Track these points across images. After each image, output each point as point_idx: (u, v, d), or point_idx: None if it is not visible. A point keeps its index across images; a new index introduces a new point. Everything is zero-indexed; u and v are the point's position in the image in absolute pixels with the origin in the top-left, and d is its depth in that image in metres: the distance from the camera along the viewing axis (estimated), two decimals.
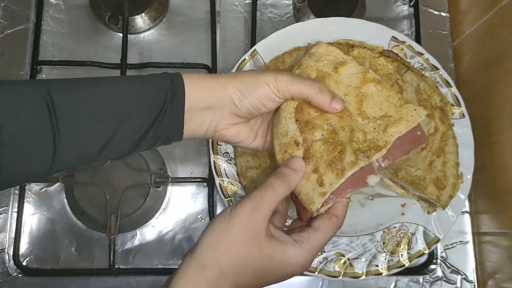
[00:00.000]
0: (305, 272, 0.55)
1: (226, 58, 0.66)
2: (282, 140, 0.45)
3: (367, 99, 0.47)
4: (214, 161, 0.57)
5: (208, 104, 0.43)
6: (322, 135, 0.44)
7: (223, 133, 0.45)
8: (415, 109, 0.46)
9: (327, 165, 0.42)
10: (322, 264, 0.55)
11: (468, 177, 0.57)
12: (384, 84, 0.48)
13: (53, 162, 0.37)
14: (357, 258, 0.56)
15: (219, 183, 0.56)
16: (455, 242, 0.63)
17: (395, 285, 0.60)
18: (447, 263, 0.62)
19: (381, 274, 0.55)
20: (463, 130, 0.59)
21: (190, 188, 0.63)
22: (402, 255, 0.56)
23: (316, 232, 0.41)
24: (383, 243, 0.57)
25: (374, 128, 0.45)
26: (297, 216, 0.46)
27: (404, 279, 0.61)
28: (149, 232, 0.62)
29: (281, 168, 0.42)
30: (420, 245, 0.57)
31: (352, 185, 0.44)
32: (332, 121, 0.45)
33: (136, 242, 0.61)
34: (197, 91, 0.42)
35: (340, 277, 0.55)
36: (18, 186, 0.60)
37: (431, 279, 0.61)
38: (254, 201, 0.39)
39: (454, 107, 0.60)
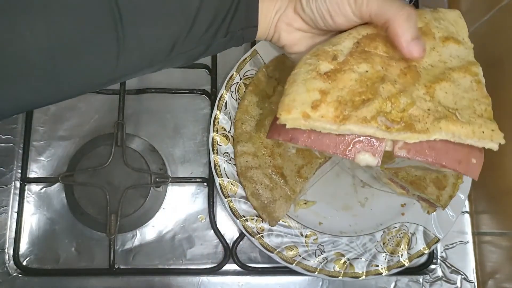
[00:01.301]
0: (305, 272, 0.55)
1: (226, 58, 0.66)
2: (325, 46, 0.37)
3: (449, 83, 0.38)
4: (214, 161, 0.57)
5: None
6: (366, 71, 0.36)
7: (283, 35, 0.41)
8: (493, 130, 0.36)
9: (339, 101, 0.34)
10: (322, 264, 0.55)
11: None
12: (482, 88, 0.39)
13: (117, 62, 0.34)
14: (357, 258, 0.56)
15: (219, 183, 0.56)
16: (455, 242, 0.63)
17: (395, 285, 0.60)
18: (447, 263, 0.62)
19: (381, 274, 0.55)
20: None
21: (190, 188, 0.63)
22: (402, 255, 0.56)
23: None
24: (383, 243, 0.57)
25: (428, 109, 0.36)
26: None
27: (404, 279, 0.61)
28: (149, 232, 0.61)
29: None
30: (420, 245, 0.57)
31: (336, 147, 0.35)
32: (391, 70, 0.37)
33: (136, 242, 0.61)
34: None
35: (340, 277, 0.55)
36: (18, 186, 0.60)
37: (431, 279, 0.61)
38: None
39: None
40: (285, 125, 0.34)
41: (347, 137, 0.35)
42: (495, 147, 0.37)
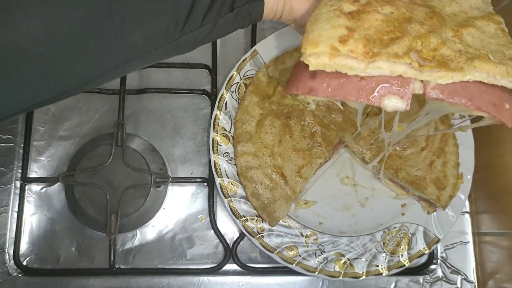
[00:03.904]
0: (305, 272, 0.55)
1: (227, 58, 0.66)
2: None
3: (475, 29, 0.37)
4: (214, 161, 0.57)
5: None
6: (392, 12, 0.35)
7: (293, 5, 0.40)
8: None
9: (367, 39, 0.33)
10: (322, 264, 0.55)
11: (469, 177, 0.58)
12: (508, 36, 0.38)
13: (116, 45, 0.34)
14: (357, 258, 0.56)
15: (220, 183, 0.56)
16: (455, 243, 0.63)
17: (395, 285, 0.60)
18: (447, 263, 0.62)
19: (381, 274, 0.55)
20: (463, 132, 0.59)
21: (190, 188, 0.63)
22: (402, 255, 0.56)
23: None
24: (383, 243, 0.57)
25: (459, 50, 0.34)
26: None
27: (404, 279, 0.61)
28: (149, 232, 0.61)
29: None
30: (420, 245, 0.57)
31: (360, 93, 0.33)
32: (417, 13, 0.36)
33: (136, 242, 0.61)
34: None
35: (340, 277, 0.55)
36: (18, 186, 0.60)
37: (431, 279, 0.61)
38: None
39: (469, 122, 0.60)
40: (303, 77, 0.33)
41: (371, 81, 0.33)
42: None
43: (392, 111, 0.34)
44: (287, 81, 0.39)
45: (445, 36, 0.35)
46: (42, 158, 0.62)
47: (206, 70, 0.65)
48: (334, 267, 0.55)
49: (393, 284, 0.60)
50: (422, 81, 0.34)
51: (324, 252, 0.56)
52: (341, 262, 0.56)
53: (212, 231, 0.61)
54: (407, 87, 0.33)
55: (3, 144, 0.62)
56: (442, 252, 0.62)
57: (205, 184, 0.62)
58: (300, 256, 0.55)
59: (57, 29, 0.32)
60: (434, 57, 0.33)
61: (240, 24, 0.40)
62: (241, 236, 0.60)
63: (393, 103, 0.33)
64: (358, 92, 0.33)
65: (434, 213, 0.58)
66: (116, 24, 0.34)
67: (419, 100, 0.47)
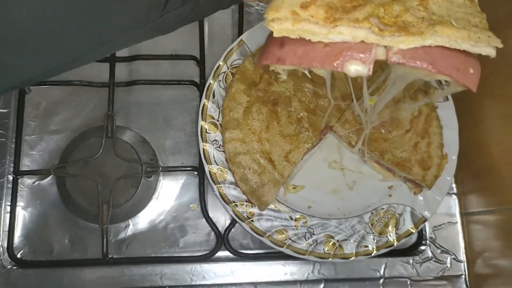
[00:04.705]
0: (296, 255, 0.56)
1: (214, 49, 0.67)
2: None
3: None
4: (203, 148, 0.58)
5: None
6: None
7: None
8: (489, 36, 0.35)
9: (329, 6, 0.34)
10: (312, 246, 0.56)
11: (453, 158, 0.59)
12: (476, 6, 0.38)
13: (103, 20, 0.35)
14: (346, 239, 0.57)
15: (209, 170, 0.57)
16: (444, 223, 0.64)
17: (386, 266, 0.61)
18: (436, 244, 0.63)
19: (370, 254, 0.56)
20: (447, 112, 0.61)
21: (181, 178, 0.64)
22: (390, 235, 0.57)
23: None
24: (371, 224, 0.58)
25: (422, 17, 0.35)
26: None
27: (395, 260, 0.62)
28: (141, 222, 0.62)
29: None
30: (408, 225, 0.58)
31: (324, 59, 0.34)
32: None
33: (129, 232, 0.62)
34: None
35: (330, 259, 0.56)
36: (11, 180, 0.61)
37: (420, 259, 0.62)
38: None
39: (438, 90, 0.61)
40: (272, 48, 0.34)
41: (335, 47, 0.34)
42: (492, 52, 0.35)
43: (355, 76, 0.35)
44: (260, 54, 0.41)
45: (410, 5, 0.35)
46: (34, 152, 0.63)
47: (194, 61, 0.66)
48: (324, 249, 0.56)
49: (383, 266, 0.61)
50: (385, 47, 0.35)
51: (314, 234, 0.57)
52: (330, 243, 0.56)
53: (204, 219, 0.62)
54: (370, 53, 0.34)
55: None
56: (431, 233, 0.63)
57: (196, 173, 0.62)
58: (290, 239, 0.56)
59: (46, 10, 0.34)
60: (395, 23, 0.34)
61: (221, 4, 0.42)
62: (232, 223, 0.61)
63: (356, 68, 0.34)
64: (323, 58, 0.34)
65: (421, 193, 0.59)
66: (100, 3, 0.35)
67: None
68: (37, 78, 0.39)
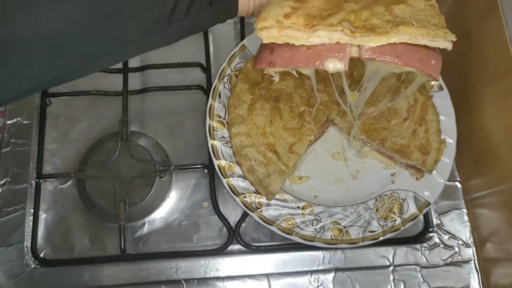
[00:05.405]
0: (304, 242, 0.58)
1: (219, 57, 0.72)
2: None
3: (405, 5, 0.43)
4: (212, 145, 0.61)
5: None
6: None
7: (262, 1, 0.46)
8: (446, 32, 0.41)
9: (308, 15, 0.41)
10: (320, 233, 0.58)
11: (451, 141, 0.61)
12: (436, 10, 0.44)
13: (114, 30, 0.40)
14: (352, 225, 0.59)
15: (218, 164, 0.60)
16: (449, 210, 0.65)
17: (394, 254, 0.62)
18: (443, 230, 0.64)
19: (377, 238, 0.58)
20: (442, 101, 0.64)
21: (193, 178, 0.67)
22: (395, 220, 0.59)
23: None
24: (376, 210, 0.60)
25: (388, 20, 0.41)
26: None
27: (403, 248, 0.63)
28: (156, 220, 0.65)
29: None
30: (412, 209, 0.59)
31: (307, 60, 0.41)
32: None
33: (145, 230, 0.65)
34: None
35: (338, 244, 0.57)
36: (34, 185, 0.65)
37: (429, 246, 0.63)
38: None
39: (432, 81, 0.64)
40: (264, 54, 0.41)
41: (316, 49, 0.41)
42: (448, 46, 0.41)
43: (334, 72, 0.41)
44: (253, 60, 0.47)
45: (377, 11, 0.42)
46: (55, 159, 0.68)
47: (201, 68, 0.70)
48: (331, 235, 0.58)
49: (392, 253, 0.63)
50: (358, 46, 0.41)
51: (321, 221, 0.59)
52: (337, 230, 0.58)
53: (216, 216, 0.64)
54: (345, 52, 0.41)
55: (19, 148, 0.67)
56: (437, 220, 0.64)
57: (206, 171, 0.66)
58: (298, 226, 0.58)
59: (70, 18, 0.38)
60: (364, 25, 0.40)
61: (218, 18, 0.47)
62: (243, 217, 0.64)
63: (334, 65, 0.41)
64: (306, 59, 0.41)
65: (423, 178, 0.61)
66: (116, 13, 0.40)
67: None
68: (55, 80, 0.42)
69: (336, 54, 0.41)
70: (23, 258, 0.62)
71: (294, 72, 0.46)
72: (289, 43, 0.42)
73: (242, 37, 0.73)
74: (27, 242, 0.63)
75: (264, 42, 0.42)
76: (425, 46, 0.41)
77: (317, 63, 0.41)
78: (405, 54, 0.41)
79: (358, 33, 0.40)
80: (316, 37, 0.40)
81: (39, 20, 0.37)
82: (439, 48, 0.42)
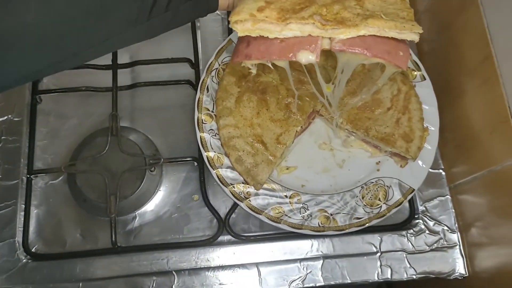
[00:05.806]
0: (292, 229, 0.59)
1: (207, 53, 0.73)
2: None
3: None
4: (200, 137, 0.62)
5: None
6: None
7: None
8: (413, 25, 0.43)
9: (281, 8, 0.42)
10: (307, 221, 0.59)
11: (434, 129, 0.63)
12: (406, 3, 0.46)
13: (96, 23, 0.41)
14: (339, 213, 0.60)
15: (207, 156, 0.62)
16: (434, 198, 0.66)
17: (381, 241, 0.64)
18: (427, 216, 0.65)
19: (363, 225, 0.59)
20: (425, 91, 0.65)
21: (183, 171, 0.68)
22: (381, 206, 0.60)
23: None
24: (362, 197, 0.61)
25: (358, 14, 0.43)
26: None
27: (390, 235, 0.64)
28: (147, 213, 0.66)
29: None
30: (396, 196, 0.61)
31: (281, 52, 0.42)
32: None
33: (136, 223, 0.66)
34: None
35: (325, 231, 0.59)
36: (25, 181, 0.66)
37: (414, 232, 0.64)
38: None
39: (415, 71, 0.66)
40: (241, 47, 0.41)
41: (289, 42, 0.42)
42: (416, 38, 0.43)
43: (306, 63, 0.43)
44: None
45: (348, 4, 0.43)
46: (46, 156, 0.68)
47: (189, 63, 0.72)
48: (318, 223, 0.59)
49: (379, 240, 0.64)
50: (330, 39, 0.42)
51: (308, 209, 0.60)
52: (324, 217, 0.60)
53: (206, 208, 0.65)
54: (316, 44, 0.42)
55: (10, 145, 0.68)
56: (422, 207, 0.66)
57: (195, 163, 0.67)
58: (286, 215, 0.59)
59: (53, 13, 0.40)
60: (335, 19, 0.42)
61: (199, 12, 0.48)
62: (233, 208, 0.65)
63: (306, 57, 0.42)
64: (280, 52, 0.43)
65: (407, 166, 0.62)
66: (97, 7, 0.41)
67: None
68: (41, 71, 0.43)
69: (308, 46, 0.43)
70: (15, 253, 0.63)
71: (270, 65, 0.47)
72: (264, 37, 0.44)
73: (230, 34, 0.74)
74: (19, 237, 0.63)
75: (239, 35, 0.44)
76: (393, 38, 0.43)
77: (290, 55, 0.43)
78: (374, 46, 0.42)
79: (329, 26, 0.41)
80: (289, 30, 0.42)
81: (21, 15, 0.38)
82: (407, 40, 0.44)
